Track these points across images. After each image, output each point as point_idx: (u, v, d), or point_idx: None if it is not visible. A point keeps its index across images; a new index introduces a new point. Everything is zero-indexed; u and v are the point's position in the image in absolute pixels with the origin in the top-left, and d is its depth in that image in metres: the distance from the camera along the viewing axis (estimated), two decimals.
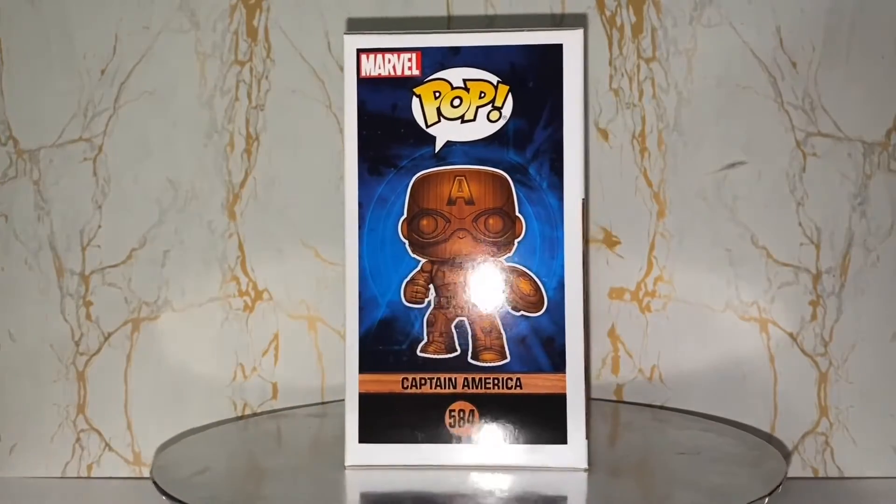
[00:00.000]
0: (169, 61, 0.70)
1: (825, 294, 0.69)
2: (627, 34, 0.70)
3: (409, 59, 0.51)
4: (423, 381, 0.51)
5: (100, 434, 0.71)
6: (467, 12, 0.71)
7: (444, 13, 0.71)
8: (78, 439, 0.70)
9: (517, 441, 0.51)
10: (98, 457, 0.71)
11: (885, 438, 0.70)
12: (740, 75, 0.70)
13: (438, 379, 0.51)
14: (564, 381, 0.50)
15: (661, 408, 0.70)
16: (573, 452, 0.50)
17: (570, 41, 0.50)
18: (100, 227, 0.70)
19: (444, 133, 0.51)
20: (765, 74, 0.69)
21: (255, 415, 0.70)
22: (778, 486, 0.47)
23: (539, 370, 0.50)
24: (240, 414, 0.71)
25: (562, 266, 0.50)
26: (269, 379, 0.71)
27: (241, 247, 0.71)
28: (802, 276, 0.70)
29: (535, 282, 0.50)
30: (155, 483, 0.49)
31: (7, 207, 0.70)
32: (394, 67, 0.51)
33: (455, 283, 0.51)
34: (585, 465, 0.49)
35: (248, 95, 0.71)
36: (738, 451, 0.56)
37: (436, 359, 0.51)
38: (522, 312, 0.50)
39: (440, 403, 0.51)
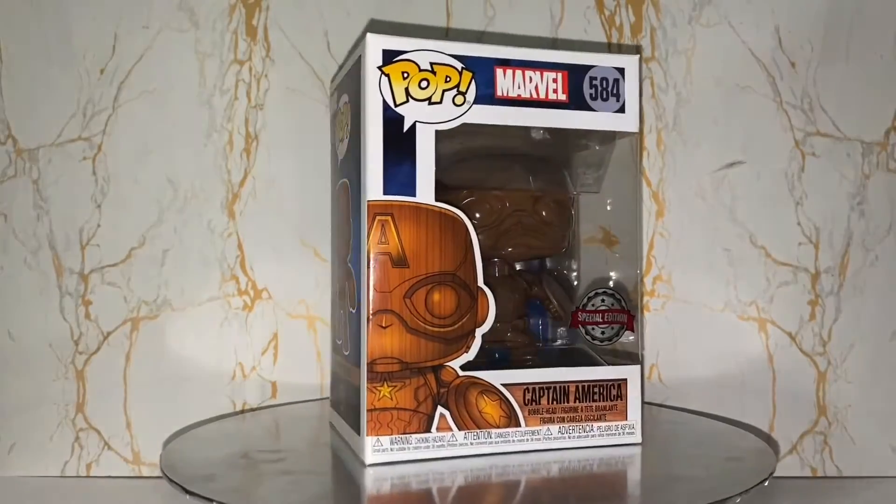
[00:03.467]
0: (168, 60, 0.70)
1: (824, 294, 0.69)
2: (627, 34, 0.70)
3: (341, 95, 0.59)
4: (340, 365, 0.59)
5: (99, 433, 0.71)
6: (467, 12, 0.71)
7: (443, 14, 0.71)
8: (77, 438, 0.70)
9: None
10: (97, 456, 0.71)
11: (884, 438, 0.70)
12: (739, 75, 0.70)
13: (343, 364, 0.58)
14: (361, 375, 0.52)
15: (661, 406, 0.70)
16: (362, 444, 0.51)
17: (367, 47, 0.50)
18: (99, 226, 0.70)
19: (338, 151, 0.58)
20: (764, 74, 0.69)
21: (253, 409, 0.70)
22: (764, 481, 0.47)
23: (357, 364, 0.52)
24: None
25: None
26: (269, 378, 0.71)
27: (240, 246, 0.71)
28: (801, 275, 0.70)
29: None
30: (167, 476, 0.49)
31: (6, 207, 0.70)
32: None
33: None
34: (368, 461, 0.51)
35: (248, 95, 0.71)
36: (731, 448, 0.56)
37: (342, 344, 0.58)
38: None
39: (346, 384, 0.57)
